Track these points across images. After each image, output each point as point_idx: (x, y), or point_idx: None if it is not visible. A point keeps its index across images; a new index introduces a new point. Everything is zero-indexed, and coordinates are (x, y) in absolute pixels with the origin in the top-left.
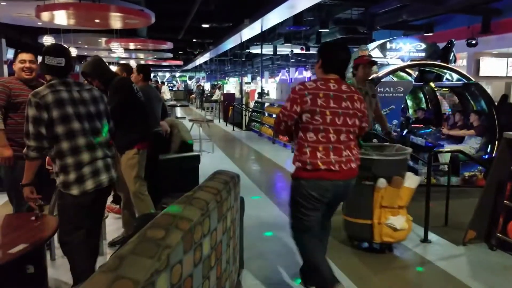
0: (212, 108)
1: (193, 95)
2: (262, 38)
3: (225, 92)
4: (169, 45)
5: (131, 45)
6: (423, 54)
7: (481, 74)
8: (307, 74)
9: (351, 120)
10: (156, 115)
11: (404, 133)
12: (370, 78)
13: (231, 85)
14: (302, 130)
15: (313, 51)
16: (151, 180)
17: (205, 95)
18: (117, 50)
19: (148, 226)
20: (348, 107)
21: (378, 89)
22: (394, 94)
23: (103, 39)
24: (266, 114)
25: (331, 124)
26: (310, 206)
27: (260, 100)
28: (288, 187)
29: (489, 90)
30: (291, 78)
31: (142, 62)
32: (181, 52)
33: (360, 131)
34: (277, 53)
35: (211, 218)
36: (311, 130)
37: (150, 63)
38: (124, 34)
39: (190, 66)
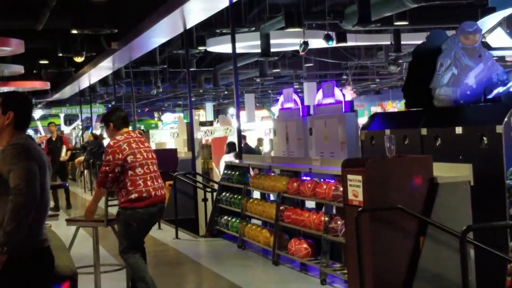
0: None
1: (79, 159)
2: (236, 17)
3: (153, 147)
4: (15, 46)
5: None
6: None
7: None
8: (348, 93)
9: (151, 155)
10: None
11: None
12: None
13: (166, 132)
14: (131, 169)
15: (352, 41)
16: None
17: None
18: None
19: None
20: (146, 146)
21: None
22: None
23: None
24: (253, 195)
25: (147, 158)
26: (143, 229)
27: (237, 162)
28: None
29: None
30: (306, 107)
31: None
32: (45, 62)
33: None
34: (272, 50)
35: None
36: (138, 165)
37: None
38: None
39: (67, 92)
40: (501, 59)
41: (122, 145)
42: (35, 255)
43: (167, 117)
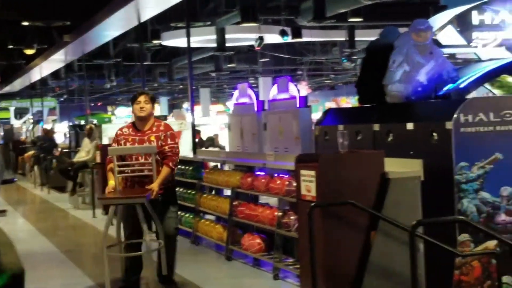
0: (76, 183)
1: (29, 154)
2: (191, 11)
3: (106, 142)
4: None
5: None
6: None
7: None
8: (303, 88)
9: None
10: None
11: None
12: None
13: (119, 126)
14: None
15: (307, 37)
16: None
17: (60, 153)
18: None
19: None
20: None
21: (462, 118)
22: (498, 128)
23: None
24: (207, 190)
25: None
26: None
27: (191, 156)
28: None
29: None
30: (261, 102)
31: None
32: None
33: None
34: (227, 44)
35: None
36: None
37: None
38: None
39: (18, 84)
40: (452, 56)
41: None
42: None
43: (121, 111)
